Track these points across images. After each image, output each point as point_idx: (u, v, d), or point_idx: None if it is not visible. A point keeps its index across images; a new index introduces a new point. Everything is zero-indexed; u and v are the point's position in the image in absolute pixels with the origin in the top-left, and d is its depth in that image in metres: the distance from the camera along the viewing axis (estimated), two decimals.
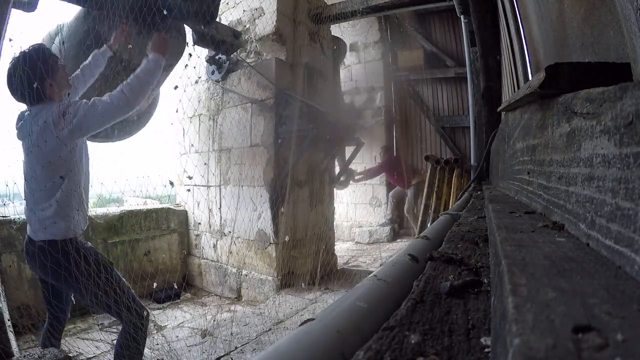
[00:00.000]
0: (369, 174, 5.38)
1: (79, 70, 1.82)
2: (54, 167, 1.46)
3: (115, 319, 1.70)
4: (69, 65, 1.86)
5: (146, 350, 2.26)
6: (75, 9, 2.31)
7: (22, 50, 1.46)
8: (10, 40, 1.68)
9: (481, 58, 2.51)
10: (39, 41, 1.92)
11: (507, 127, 1.15)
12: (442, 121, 5.68)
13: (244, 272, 3.40)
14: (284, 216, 3.24)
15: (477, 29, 2.51)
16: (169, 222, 3.79)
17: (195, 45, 2.95)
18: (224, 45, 3.11)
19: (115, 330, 2.58)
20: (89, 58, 1.87)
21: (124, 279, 1.62)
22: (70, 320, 2.56)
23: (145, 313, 1.62)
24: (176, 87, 3.17)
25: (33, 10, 2.10)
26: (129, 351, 1.56)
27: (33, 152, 1.45)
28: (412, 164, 5.51)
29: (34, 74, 1.42)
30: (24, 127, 1.50)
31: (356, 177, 5.00)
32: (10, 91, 1.48)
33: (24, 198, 1.54)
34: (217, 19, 3.72)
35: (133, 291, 1.62)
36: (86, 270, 1.47)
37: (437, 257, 0.54)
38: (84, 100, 1.50)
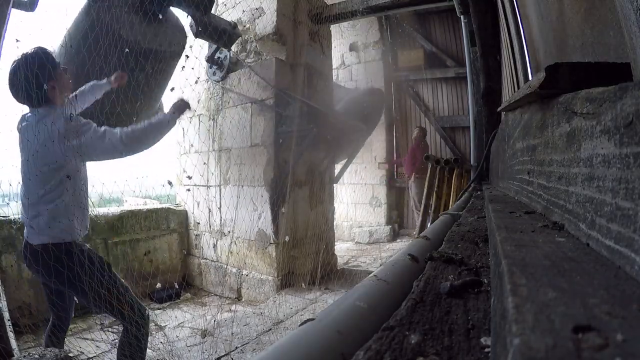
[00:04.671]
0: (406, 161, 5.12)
1: (76, 93, 1.84)
2: (61, 167, 1.47)
3: (115, 319, 1.70)
4: (77, 59, 1.97)
5: (147, 350, 2.27)
6: (80, 4, 2.32)
7: (24, 53, 1.47)
8: (17, 40, 1.69)
9: (481, 58, 2.51)
10: (51, 44, 2.03)
11: (507, 127, 1.15)
12: (442, 121, 5.68)
13: (244, 272, 3.40)
14: (284, 216, 3.24)
15: (477, 29, 2.51)
16: (169, 222, 3.79)
17: (197, 38, 2.94)
18: (225, 35, 3.07)
19: (115, 330, 2.58)
20: (87, 86, 1.91)
21: (121, 279, 1.64)
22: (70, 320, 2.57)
23: (147, 312, 1.64)
24: (172, 89, 3.17)
25: (33, 10, 2.10)
26: (131, 350, 1.56)
27: (40, 153, 1.44)
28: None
29: (37, 76, 1.42)
30: (28, 128, 1.49)
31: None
32: (12, 92, 1.48)
33: (24, 199, 1.51)
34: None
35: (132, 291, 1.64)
36: (89, 269, 1.47)
37: (437, 257, 0.54)
38: (95, 126, 1.52)
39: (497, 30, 2.39)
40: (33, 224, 1.47)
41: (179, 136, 4.09)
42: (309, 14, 3.73)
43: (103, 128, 1.52)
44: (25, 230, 1.54)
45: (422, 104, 5.85)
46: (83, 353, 2.15)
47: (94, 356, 2.15)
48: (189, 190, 3.83)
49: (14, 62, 1.46)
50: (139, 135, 1.56)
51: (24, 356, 1.44)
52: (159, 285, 3.21)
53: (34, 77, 1.42)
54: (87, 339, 2.36)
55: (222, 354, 2.09)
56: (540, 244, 0.36)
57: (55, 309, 1.63)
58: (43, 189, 1.46)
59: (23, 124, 1.54)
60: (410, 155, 5.03)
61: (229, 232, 3.53)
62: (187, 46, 2.80)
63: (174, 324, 2.79)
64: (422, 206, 3.92)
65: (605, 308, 0.20)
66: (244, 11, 3.51)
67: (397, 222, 5.76)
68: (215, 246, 3.70)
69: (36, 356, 1.39)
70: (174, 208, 3.92)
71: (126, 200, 4.63)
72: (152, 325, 2.75)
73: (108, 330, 2.54)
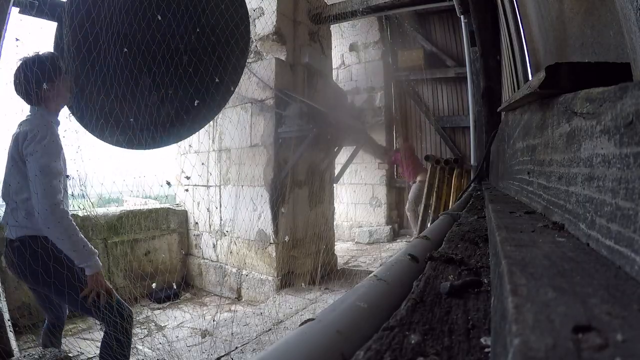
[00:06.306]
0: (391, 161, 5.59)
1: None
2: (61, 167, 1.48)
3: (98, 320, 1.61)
4: None
5: (147, 350, 2.27)
6: None
7: (36, 53, 1.53)
8: (16, 39, 1.72)
9: (481, 58, 2.51)
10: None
11: (507, 127, 1.15)
12: (442, 121, 5.68)
13: (244, 272, 3.40)
14: (284, 216, 3.24)
15: (477, 29, 2.51)
16: (169, 222, 3.79)
17: None
18: None
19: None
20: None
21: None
22: (70, 320, 2.57)
23: (126, 313, 1.54)
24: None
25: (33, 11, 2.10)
26: (112, 353, 1.49)
27: (46, 150, 1.44)
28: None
29: (40, 75, 1.47)
30: (19, 136, 1.48)
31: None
32: (15, 88, 1.51)
33: (5, 195, 1.49)
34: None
35: (114, 291, 1.55)
36: (65, 266, 1.44)
37: (437, 257, 0.54)
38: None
39: (497, 30, 2.39)
40: (12, 217, 1.47)
41: None
42: (309, 14, 3.73)
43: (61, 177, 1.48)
44: (6, 231, 1.51)
45: (422, 104, 5.85)
46: (83, 353, 2.15)
47: (94, 356, 2.15)
48: (187, 190, 3.83)
49: (23, 58, 1.50)
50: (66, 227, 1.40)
51: (24, 356, 1.44)
52: (154, 285, 3.18)
53: (39, 75, 1.46)
54: (87, 339, 2.36)
55: (222, 354, 2.09)
56: (540, 244, 0.36)
57: (48, 310, 1.61)
58: (19, 183, 1.45)
59: (16, 132, 1.52)
60: (406, 160, 5.13)
61: (229, 232, 3.53)
62: None
63: (173, 324, 2.79)
64: (422, 206, 3.93)
65: (605, 308, 0.20)
66: None
67: (397, 222, 5.76)
68: (215, 246, 3.70)
69: (36, 356, 1.39)
70: (174, 208, 3.92)
71: (126, 201, 4.62)
72: (152, 325, 2.75)
73: None
